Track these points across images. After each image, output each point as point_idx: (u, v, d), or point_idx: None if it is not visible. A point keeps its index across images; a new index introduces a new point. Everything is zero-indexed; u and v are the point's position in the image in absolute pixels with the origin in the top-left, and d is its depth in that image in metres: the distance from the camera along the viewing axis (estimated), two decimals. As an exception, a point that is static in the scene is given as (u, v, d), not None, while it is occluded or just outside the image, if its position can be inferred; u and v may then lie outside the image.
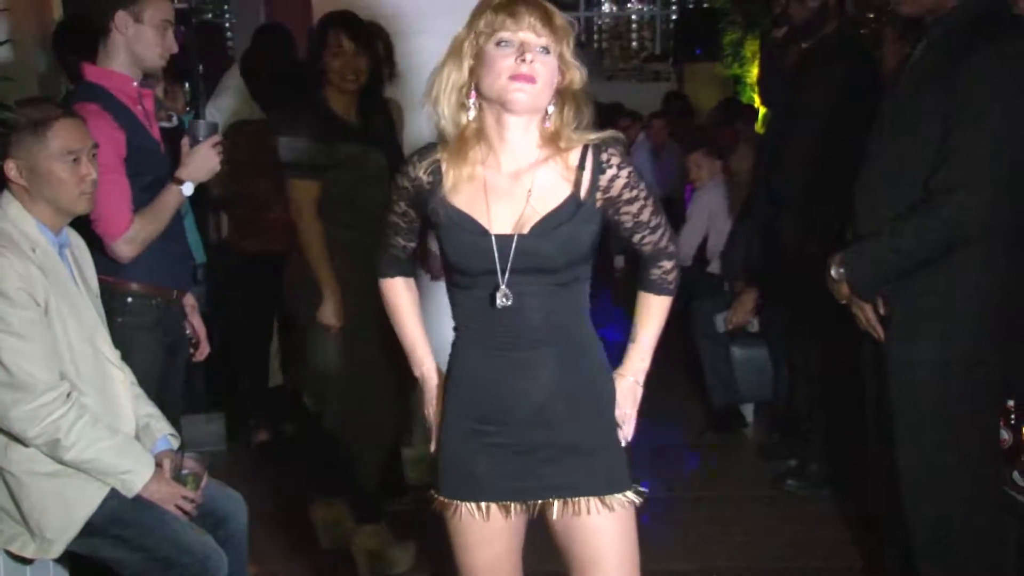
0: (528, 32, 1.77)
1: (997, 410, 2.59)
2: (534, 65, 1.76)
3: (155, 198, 2.60)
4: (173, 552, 2.26)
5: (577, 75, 1.83)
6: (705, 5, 10.33)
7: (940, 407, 2.44)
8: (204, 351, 2.98)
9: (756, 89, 4.80)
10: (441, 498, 1.94)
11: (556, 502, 1.90)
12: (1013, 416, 2.76)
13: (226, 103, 4.23)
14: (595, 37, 12.53)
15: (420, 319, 2.07)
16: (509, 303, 1.82)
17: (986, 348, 2.44)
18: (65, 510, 2.23)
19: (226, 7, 8.31)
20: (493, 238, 1.82)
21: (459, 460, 1.92)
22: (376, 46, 3.00)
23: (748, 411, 4.49)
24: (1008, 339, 2.46)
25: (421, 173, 1.87)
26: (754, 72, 7.12)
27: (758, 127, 5.98)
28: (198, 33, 5.38)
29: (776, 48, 3.82)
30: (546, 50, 1.78)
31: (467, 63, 1.82)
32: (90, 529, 2.25)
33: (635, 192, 1.87)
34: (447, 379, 1.96)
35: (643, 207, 1.90)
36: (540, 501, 1.92)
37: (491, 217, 1.83)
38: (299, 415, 3.56)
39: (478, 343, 1.89)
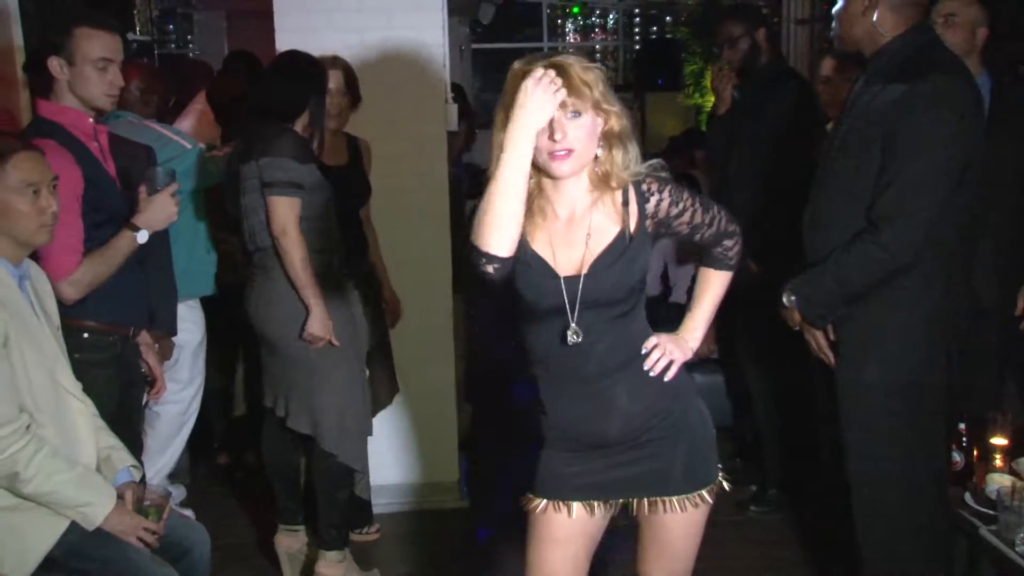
0: None
1: (944, 432, 2.64)
2: (567, 138, 1.82)
3: (108, 240, 2.57)
4: (135, 584, 2.24)
5: (615, 118, 1.88)
6: (668, 36, 10.46)
7: (888, 430, 2.50)
8: (160, 390, 2.94)
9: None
10: (532, 497, 2.06)
11: (635, 500, 2.05)
12: (965, 439, 2.83)
13: (188, 125, 4.25)
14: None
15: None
16: (580, 340, 1.91)
17: (931, 371, 2.51)
18: (22, 545, 2.21)
19: (190, 38, 8.30)
20: (562, 280, 1.91)
21: (554, 467, 2.05)
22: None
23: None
24: (953, 362, 2.53)
25: None
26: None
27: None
28: (162, 65, 5.39)
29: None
30: (577, 113, 1.83)
31: None
32: (50, 564, 2.22)
33: (681, 205, 1.95)
34: (541, 411, 2.05)
35: (693, 212, 1.97)
36: (622, 500, 2.06)
37: (557, 261, 1.92)
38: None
39: (554, 380, 1.99)
